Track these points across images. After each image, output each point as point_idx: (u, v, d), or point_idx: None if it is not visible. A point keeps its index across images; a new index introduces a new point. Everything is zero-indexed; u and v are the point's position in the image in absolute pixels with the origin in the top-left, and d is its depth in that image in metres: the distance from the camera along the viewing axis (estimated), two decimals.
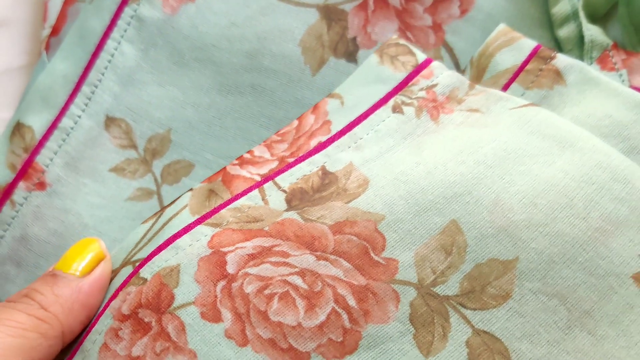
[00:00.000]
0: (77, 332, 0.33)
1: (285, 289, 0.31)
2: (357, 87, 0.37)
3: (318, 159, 0.35)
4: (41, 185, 0.40)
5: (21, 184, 0.39)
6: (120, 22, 0.41)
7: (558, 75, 0.37)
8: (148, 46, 0.41)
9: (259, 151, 0.36)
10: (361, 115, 0.36)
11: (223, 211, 0.33)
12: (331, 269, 0.31)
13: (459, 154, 0.33)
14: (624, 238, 0.32)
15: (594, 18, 0.40)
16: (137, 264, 0.33)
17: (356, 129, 0.35)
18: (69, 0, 0.43)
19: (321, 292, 0.31)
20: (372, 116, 0.36)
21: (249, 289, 0.31)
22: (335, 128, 0.36)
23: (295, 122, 0.37)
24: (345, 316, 0.31)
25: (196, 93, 0.41)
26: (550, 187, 0.32)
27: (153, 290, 0.32)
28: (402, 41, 0.38)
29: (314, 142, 0.35)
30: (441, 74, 0.37)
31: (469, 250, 0.32)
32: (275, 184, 0.34)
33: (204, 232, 0.33)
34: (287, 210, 0.33)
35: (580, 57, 0.39)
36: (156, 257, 0.32)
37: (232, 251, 0.32)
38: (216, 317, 0.31)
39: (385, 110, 0.36)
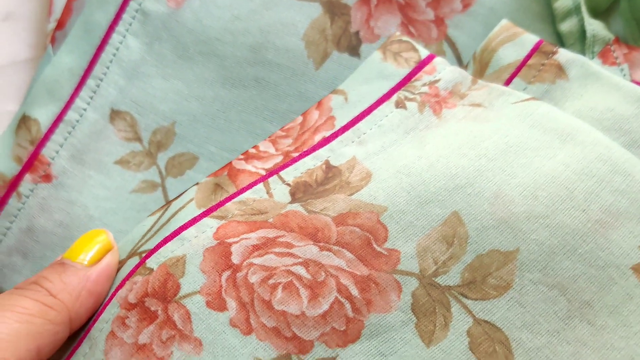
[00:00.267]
0: (85, 320, 0.33)
1: (289, 279, 0.31)
2: (361, 84, 0.37)
3: (322, 153, 0.35)
4: (47, 178, 0.40)
5: (27, 176, 0.40)
6: (125, 16, 0.41)
7: (560, 70, 0.37)
8: (153, 40, 0.41)
9: (264, 146, 0.36)
10: (365, 110, 0.36)
11: (228, 204, 0.34)
12: (334, 259, 0.32)
13: (460, 148, 0.34)
14: (624, 230, 0.32)
15: (595, 12, 0.41)
16: (144, 254, 0.33)
17: (360, 124, 0.36)
18: None
19: (324, 282, 0.31)
20: (375, 111, 0.36)
21: (254, 278, 0.32)
22: (339, 123, 0.36)
23: (300, 118, 0.37)
24: (348, 305, 0.31)
25: (200, 86, 0.41)
26: (551, 179, 0.33)
27: (159, 280, 0.32)
28: (405, 37, 0.38)
29: (318, 137, 0.36)
30: (444, 70, 0.37)
31: (470, 241, 0.32)
32: (280, 177, 0.35)
33: (209, 224, 0.33)
34: (291, 202, 0.34)
35: (582, 52, 0.39)
36: (162, 248, 0.33)
37: (236, 242, 0.32)
38: (221, 306, 0.31)
39: (388, 106, 0.36)
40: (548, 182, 0.33)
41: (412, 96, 0.36)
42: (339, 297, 0.31)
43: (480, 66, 0.38)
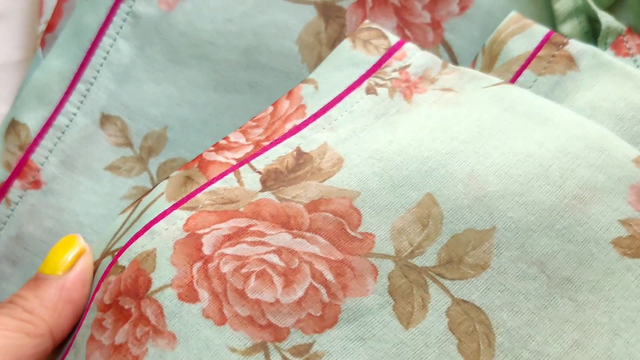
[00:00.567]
0: (67, 329, 0.33)
1: (262, 267, 0.31)
2: (331, 72, 0.37)
3: (293, 141, 0.35)
4: (36, 184, 0.40)
5: (16, 183, 0.39)
6: (116, 19, 0.41)
7: (571, 61, 0.37)
8: (144, 43, 0.41)
9: (235, 137, 0.36)
10: (335, 98, 0.36)
11: (199, 195, 0.33)
12: (307, 246, 0.31)
13: (432, 132, 0.34)
14: (602, 204, 0.32)
15: (602, 7, 0.40)
16: (116, 253, 0.33)
17: (331, 111, 0.36)
18: None
19: (298, 269, 0.31)
20: (346, 98, 0.36)
21: (226, 268, 0.31)
22: (310, 111, 0.36)
23: (270, 108, 0.37)
24: (323, 290, 0.31)
25: (192, 90, 0.40)
26: (525, 158, 0.32)
27: (131, 277, 0.32)
28: (375, 25, 0.38)
29: (289, 126, 0.35)
30: (414, 55, 0.37)
31: (445, 221, 0.31)
32: (251, 166, 0.34)
33: (179, 215, 0.33)
34: (262, 190, 0.33)
35: None
36: (133, 244, 0.32)
37: (207, 233, 0.32)
38: (193, 298, 0.31)
39: (359, 92, 0.36)
40: (522, 160, 0.32)
41: (382, 82, 0.36)
42: (314, 283, 0.31)
43: (490, 58, 0.38)
